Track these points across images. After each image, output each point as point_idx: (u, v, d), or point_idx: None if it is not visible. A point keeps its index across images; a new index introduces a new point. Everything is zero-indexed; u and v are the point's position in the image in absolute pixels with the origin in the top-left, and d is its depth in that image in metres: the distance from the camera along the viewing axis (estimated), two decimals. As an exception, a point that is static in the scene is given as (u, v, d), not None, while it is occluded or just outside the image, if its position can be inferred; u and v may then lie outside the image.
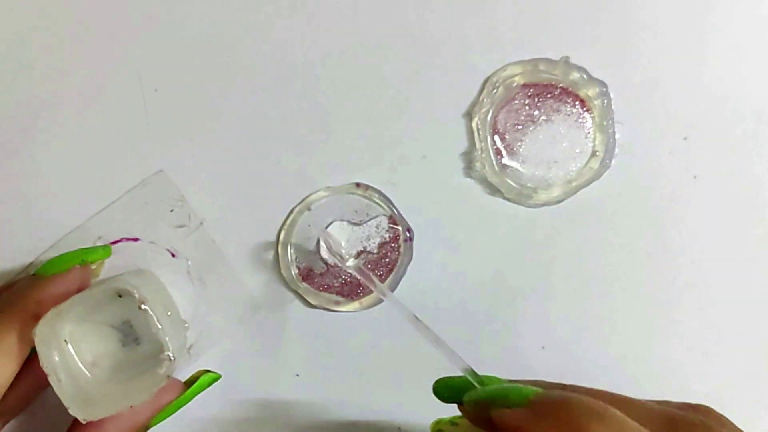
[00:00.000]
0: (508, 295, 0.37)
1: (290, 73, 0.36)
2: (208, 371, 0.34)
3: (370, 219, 0.37)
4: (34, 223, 0.36)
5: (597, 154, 0.36)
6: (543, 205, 0.37)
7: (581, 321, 0.37)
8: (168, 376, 0.31)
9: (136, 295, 0.31)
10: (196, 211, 0.36)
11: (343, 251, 0.35)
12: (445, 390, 0.29)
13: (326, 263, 0.37)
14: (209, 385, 0.34)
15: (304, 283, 0.37)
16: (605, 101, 0.36)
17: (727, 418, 0.26)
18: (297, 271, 0.37)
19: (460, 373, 0.29)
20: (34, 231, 0.36)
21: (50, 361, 0.31)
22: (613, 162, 0.36)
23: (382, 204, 0.36)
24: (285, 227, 0.36)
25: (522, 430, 0.24)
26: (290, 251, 0.37)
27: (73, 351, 0.33)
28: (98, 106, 0.36)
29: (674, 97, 0.36)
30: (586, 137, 0.37)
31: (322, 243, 0.36)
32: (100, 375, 0.33)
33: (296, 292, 0.37)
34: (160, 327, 0.31)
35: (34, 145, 0.36)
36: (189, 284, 0.36)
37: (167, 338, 0.31)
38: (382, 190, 0.36)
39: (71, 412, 0.30)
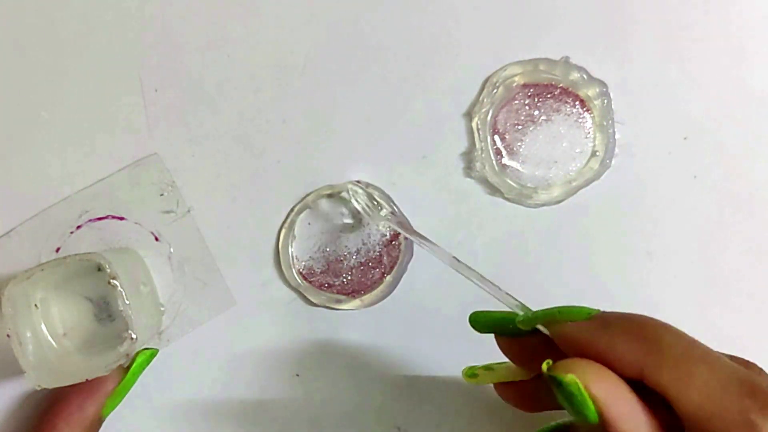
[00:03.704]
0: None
1: (290, 73, 0.36)
2: (145, 349, 0.34)
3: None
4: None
5: (597, 154, 0.36)
6: (543, 205, 0.37)
7: (581, 321, 0.37)
8: (127, 355, 0.31)
9: (108, 270, 0.31)
10: (185, 198, 0.36)
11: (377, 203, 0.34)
12: (483, 320, 0.29)
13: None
14: (149, 362, 0.34)
15: (305, 282, 0.37)
16: (605, 101, 0.36)
17: None
18: (297, 270, 0.37)
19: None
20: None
21: (15, 323, 0.30)
22: (613, 162, 0.36)
23: (382, 202, 0.36)
24: (285, 227, 0.36)
25: (587, 341, 0.23)
26: (291, 250, 0.37)
27: (43, 317, 0.32)
28: (98, 106, 0.36)
29: (674, 97, 0.36)
30: (586, 137, 0.37)
31: (351, 195, 0.35)
32: (68, 346, 0.33)
33: (297, 291, 0.37)
34: (127, 303, 0.31)
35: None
36: (168, 269, 0.36)
37: (133, 317, 0.31)
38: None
39: (27, 377, 0.30)
